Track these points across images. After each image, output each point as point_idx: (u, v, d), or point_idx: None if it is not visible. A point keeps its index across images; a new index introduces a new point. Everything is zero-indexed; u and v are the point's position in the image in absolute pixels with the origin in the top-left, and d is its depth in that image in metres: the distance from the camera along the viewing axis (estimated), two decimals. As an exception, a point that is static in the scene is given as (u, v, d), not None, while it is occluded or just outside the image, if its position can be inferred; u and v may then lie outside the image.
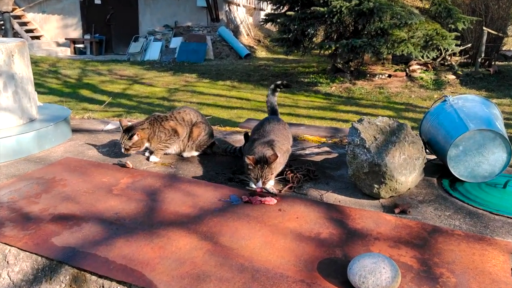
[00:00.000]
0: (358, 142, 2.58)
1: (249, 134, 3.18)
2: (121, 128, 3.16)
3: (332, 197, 2.63)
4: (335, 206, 2.46)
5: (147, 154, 3.32)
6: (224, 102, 9.49)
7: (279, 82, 3.44)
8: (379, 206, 2.52)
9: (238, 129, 4.59)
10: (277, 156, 2.56)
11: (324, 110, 8.76)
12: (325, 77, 11.86)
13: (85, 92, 10.26)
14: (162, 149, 3.23)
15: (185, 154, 3.34)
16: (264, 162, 2.55)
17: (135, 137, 3.08)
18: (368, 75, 11.73)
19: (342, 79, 11.48)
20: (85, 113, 5.98)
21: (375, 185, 2.53)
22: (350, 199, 2.60)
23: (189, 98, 9.84)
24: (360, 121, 2.72)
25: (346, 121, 7.66)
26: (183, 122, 3.26)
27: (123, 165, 3.03)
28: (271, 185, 2.68)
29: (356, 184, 2.69)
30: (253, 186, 2.63)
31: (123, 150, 3.11)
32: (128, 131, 3.10)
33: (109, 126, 4.26)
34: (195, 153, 3.38)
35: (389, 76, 11.66)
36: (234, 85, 11.65)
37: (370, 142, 2.55)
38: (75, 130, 4.05)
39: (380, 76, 11.65)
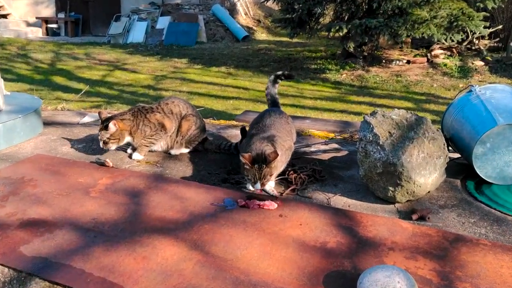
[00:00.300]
0: (370, 138, 2.59)
1: (247, 129, 3.19)
2: (100, 120, 3.18)
3: (341, 201, 2.64)
4: (344, 211, 2.47)
5: (129, 151, 3.33)
6: (219, 92, 9.49)
7: (279, 73, 3.45)
8: (395, 211, 2.53)
9: (234, 122, 4.59)
10: (277, 154, 2.57)
11: (333, 101, 8.77)
12: (334, 63, 11.86)
13: (59, 80, 10.25)
14: (147, 146, 3.24)
15: (173, 151, 3.34)
16: (262, 161, 2.56)
17: (112, 127, 3.08)
18: (384, 61, 11.73)
19: (354, 65, 11.48)
20: (59, 103, 5.97)
21: (390, 188, 2.54)
22: (361, 203, 2.61)
23: (178, 87, 9.84)
24: (373, 114, 2.72)
25: (358, 113, 7.67)
26: (171, 115, 3.26)
27: (102, 164, 3.04)
28: (271, 186, 2.69)
29: (368, 186, 2.70)
30: (251, 188, 2.64)
31: (101, 144, 3.12)
32: (107, 121, 3.12)
33: (86, 119, 4.26)
34: (185, 150, 3.38)
35: (408, 62, 11.66)
36: (230, 72, 11.64)
37: (384, 138, 2.56)
38: (47, 123, 4.05)
39: (398, 62, 11.66)
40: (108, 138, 3.10)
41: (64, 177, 2.83)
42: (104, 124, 3.10)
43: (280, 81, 3.46)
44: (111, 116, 3.18)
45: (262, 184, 2.58)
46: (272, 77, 3.43)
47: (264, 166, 2.55)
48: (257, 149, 2.62)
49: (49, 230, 2.19)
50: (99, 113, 3.24)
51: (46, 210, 2.39)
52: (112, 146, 3.14)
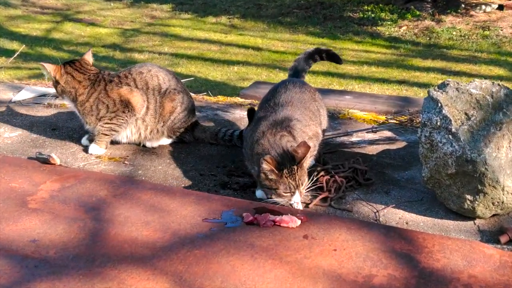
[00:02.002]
0: (438, 123, 2.58)
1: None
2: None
3: (395, 216, 2.64)
4: (400, 230, 2.47)
5: (84, 142, 3.37)
6: (217, 54, 9.51)
7: (323, 48, 3.52)
8: (474, 230, 2.53)
9: (239, 99, 4.60)
10: (308, 146, 2.60)
11: (387, 67, 8.73)
12: (389, 9, 11.78)
13: (-17, 37, 10.36)
14: (107, 134, 3.28)
15: (149, 143, 3.38)
16: (289, 161, 2.59)
17: (48, 66, 3.25)
18: (464, 5, 11.61)
19: (418, 13, 11.38)
20: (-17, 72, 6.04)
21: (468, 196, 2.54)
22: (424, 219, 2.61)
23: (157, 47, 9.88)
24: (442, 86, 2.71)
25: (424, 85, 7.64)
26: (146, 90, 3.29)
27: (45, 160, 3.08)
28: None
29: (435, 194, 2.69)
30: (280, 201, 2.63)
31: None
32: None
33: (22, 95, 4.30)
34: (166, 141, 3.42)
35: (501, 7, 11.51)
36: (234, 23, 11.62)
37: (459, 122, 2.55)
38: (-35, 102, 4.10)
39: (485, 7, 11.52)
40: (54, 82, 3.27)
41: (-10, 180, 2.87)
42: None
43: (317, 60, 3.53)
44: (72, 59, 3.38)
45: (301, 193, 2.62)
46: (311, 50, 3.48)
47: (296, 168, 2.59)
48: (274, 145, 2.65)
49: (-31, 257, 2.22)
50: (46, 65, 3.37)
51: (-35, 228, 2.43)
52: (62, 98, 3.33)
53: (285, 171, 2.58)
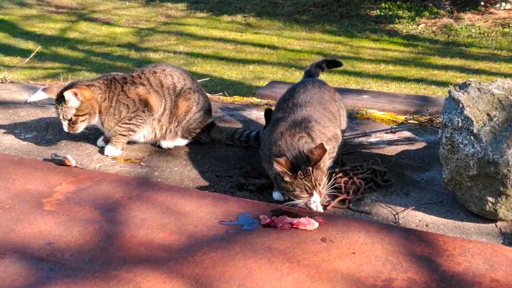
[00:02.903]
0: (459, 124, 2.56)
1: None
2: (53, 99, 3.21)
3: (415, 218, 2.62)
4: (420, 233, 2.45)
5: (100, 143, 3.38)
6: (232, 53, 9.52)
7: (322, 60, 3.55)
8: (496, 233, 2.51)
9: (255, 99, 4.60)
10: (325, 149, 2.58)
11: (405, 66, 8.69)
12: (407, 7, 11.73)
13: (-2, 36, 10.45)
14: (124, 135, 3.28)
15: (165, 144, 3.38)
16: (305, 163, 2.58)
17: (71, 97, 3.07)
18: (483, 2, 11.52)
19: (436, 10, 11.32)
20: (-2, 72, 6.08)
21: (489, 198, 2.52)
22: (445, 222, 2.59)
23: (173, 46, 9.91)
24: (463, 86, 2.68)
25: (443, 84, 7.60)
26: (161, 89, 3.29)
27: (61, 162, 3.09)
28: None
29: (456, 196, 2.67)
30: (300, 203, 2.62)
31: (65, 127, 3.16)
32: (65, 90, 3.13)
33: (38, 95, 4.32)
34: (182, 142, 3.42)
35: (520, 4, 11.42)
36: (250, 22, 11.63)
37: (480, 123, 2.53)
38: (-19, 102, 4.14)
39: (504, 4, 11.43)
40: (75, 116, 3.12)
41: (6, 181, 2.86)
42: (60, 95, 3.13)
43: (322, 71, 3.56)
44: (69, 84, 3.23)
45: (320, 194, 2.61)
46: (313, 64, 3.53)
47: (312, 169, 2.57)
48: (290, 147, 2.64)
49: (-15, 260, 2.23)
50: (46, 90, 3.25)
51: (-19, 230, 2.44)
52: (81, 127, 3.19)
53: (299, 172, 2.57)
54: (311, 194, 2.58)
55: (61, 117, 3.15)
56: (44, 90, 3.27)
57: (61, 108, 3.13)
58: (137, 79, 3.29)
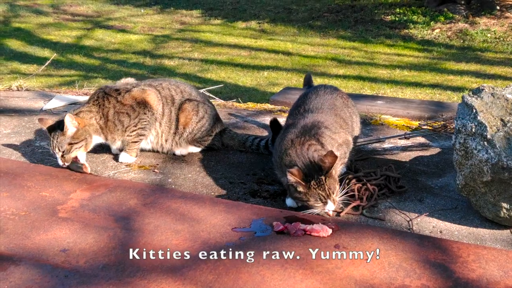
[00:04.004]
0: (473, 130, 2.55)
1: (281, 121, 3.21)
2: (46, 130, 3.16)
3: (429, 225, 2.61)
4: (434, 239, 2.44)
5: (115, 150, 3.41)
6: (247, 59, 9.55)
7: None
8: (511, 240, 2.49)
9: (268, 105, 4.61)
10: (335, 156, 2.58)
11: (420, 71, 8.66)
12: (421, 12, 11.70)
13: (15, 44, 10.53)
14: (135, 141, 3.31)
15: (179, 151, 3.41)
16: (317, 172, 2.58)
17: (69, 125, 3.06)
18: (499, 7, 11.47)
19: (451, 15, 11.27)
20: (14, 79, 6.13)
21: (504, 204, 2.50)
22: (459, 228, 2.58)
23: (187, 53, 9.95)
24: (477, 92, 2.67)
25: (458, 89, 7.57)
26: (160, 94, 3.34)
27: (79, 169, 3.12)
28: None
29: (470, 202, 2.66)
30: (316, 211, 2.63)
31: (59, 161, 3.09)
32: (59, 124, 3.11)
33: (53, 103, 4.37)
34: (196, 149, 3.44)
35: (536, 8, 11.35)
36: (264, 28, 11.64)
37: (494, 129, 2.52)
38: (-3, 110, 4.19)
39: (520, 8, 11.36)
40: (69, 144, 3.07)
41: (21, 189, 2.89)
42: (54, 127, 3.10)
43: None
44: (60, 118, 3.20)
45: (334, 201, 2.61)
46: (309, 77, 3.64)
47: (324, 177, 2.58)
48: (301, 157, 2.64)
49: (0, 267, 2.23)
50: (40, 121, 3.21)
51: (-3, 237, 2.47)
52: (77, 154, 3.12)
53: (312, 182, 2.58)
54: (325, 203, 2.59)
55: (55, 150, 3.09)
56: (40, 121, 3.21)
57: (56, 139, 3.08)
58: (130, 88, 3.33)
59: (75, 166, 3.12)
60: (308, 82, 3.54)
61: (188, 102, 3.36)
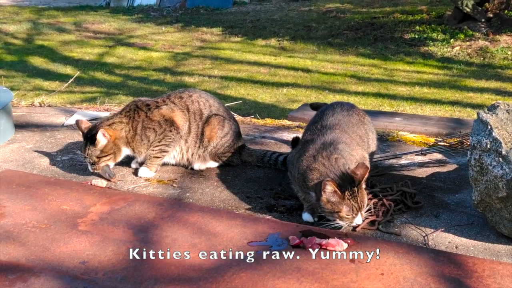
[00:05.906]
0: (488, 146, 2.56)
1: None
2: (81, 133, 3.31)
3: (445, 240, 2.62)
4: (449, 255, 2.45)
5: (134, 165, 3.46)
6: (266, 76, 9.60)
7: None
8: (527, 256, 2.49)
9: (286, 122, 4.63)
10: (367, 168, 2.62)
11: (439, 88, 8.64)
12: (441, 30, 11.68)
13: (38, 61, 10.67)
14: (158, 157, 3.36)
15: (197, 166, 3.44)
16: (349, 183, 2.60)
17: (101, 138, 3.19)
18: (519, 25, 11.42)
19: (472, 33, 11.24)
20: (37, 96, 6.22)
21: (520, 220, 2.50)
22: (475, 244, 2.58)
23: (208, 70, 10.02)
24: (492, 108, 2.69)
25: (479, 106, 7.51)
26: (186, 111, 3.37)
27: (109, 178, 3.22)
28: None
29: (486, 218, 2.66)
30: (342, 223, 2.64)
31: (89, 167, 3.24)
32: (91, 133, 3.23)
33: (75, 118, 4.42)
34: (213, 164, 3.47)
35: (557, 26, 11.27)
36: (284, 46, 11.71)
37: (509, 145, 2.52)
38: (20, 125, 4.24)
39: (541, 26, 11.29)
40: (98, 157, 3.21)
41: (42, 202, 2.94)
42: (88, 136, 3.23)
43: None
44: (95, 124, 3.30)
45: (362, 216, 2.64)
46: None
47: (357, 189, 2.60)
48: (331, 168, 2.65)
49: (21, 278, 2.27)
50: (78, 122, 3.34)
51: (18, 249, 2.49)
52: (103, 166, 3.25)
53: (347, 193, 2.59)
54: (355, 216, 2.61)
55: (85, 158, 3.23)
56: (78, 122, 3.34)
57: (87, 150, 3.21)
58: (161, 103, 3.37)
59: (108, 173, 3.24)
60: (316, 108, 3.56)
61: (215, 116, 3.39)
